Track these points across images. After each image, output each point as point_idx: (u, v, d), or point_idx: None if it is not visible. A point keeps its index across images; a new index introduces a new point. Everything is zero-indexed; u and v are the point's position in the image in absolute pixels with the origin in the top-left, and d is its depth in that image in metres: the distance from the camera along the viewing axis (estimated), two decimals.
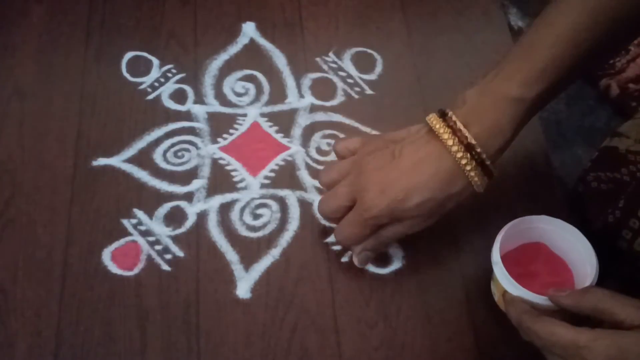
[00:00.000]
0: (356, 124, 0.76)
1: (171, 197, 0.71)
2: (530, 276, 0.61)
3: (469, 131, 0.59)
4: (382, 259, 0.68)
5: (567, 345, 0.53)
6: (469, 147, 0.59)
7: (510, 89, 0.60)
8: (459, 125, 0.59)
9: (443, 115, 0.61)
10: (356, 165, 0.64)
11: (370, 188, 0.61)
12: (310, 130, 0.75)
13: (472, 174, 0.60)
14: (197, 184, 0.71)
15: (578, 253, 0.61)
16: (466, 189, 0.61)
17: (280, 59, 0.80)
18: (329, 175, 0.66)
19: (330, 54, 0.80)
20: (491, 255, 0.61)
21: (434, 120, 0.61)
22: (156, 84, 0.77)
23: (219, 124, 0.75)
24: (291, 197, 0.71)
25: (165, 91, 0.77)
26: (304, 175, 0.73)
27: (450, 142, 0.59)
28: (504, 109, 0.60)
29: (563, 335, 0.53)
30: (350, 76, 0.79)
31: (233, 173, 0.72)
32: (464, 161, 0.59)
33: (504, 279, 0.60)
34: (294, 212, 0.70)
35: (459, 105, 0.61)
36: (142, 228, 0.69)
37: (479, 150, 0.59)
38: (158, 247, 0.68)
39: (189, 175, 0.72)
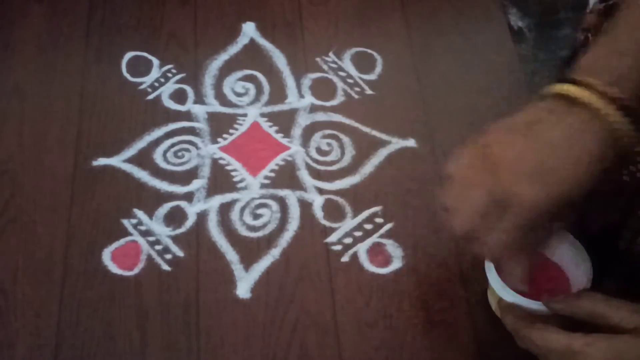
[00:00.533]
0: (356, 124, 0.76)
1: (171, 197, 0.71)
2: (527, 288, 0.61)
3: (611, 88, 0.50)
4: (382, 259, 0.68)
5: (563, 351, 0.52)
6: (620, 105, 0.50)
7: (623, 42, 0.52)
8: (601, 86, 0.50)
9: (573, 82, 0.52)
10: (484, 164, 0.51)
11: (521, 178, 0.50)
12: (310, 130, 0.75)
13: (628, 129, 0.50)
14: (197, 184, 0.71)
15: (572, 257, 0.61)
16: (622, 149, 0.51)
17: (280, 59, 0.80)
18: (462, 200, 0.52)
19: (330, 54, 0.80)
20: (485, 264, 0.61)
21: (569, 88, 0.51)
22: (156, 84, 0.77)
23: (219, 124, 0.75)
24: (291, 197, 0.71)
25: (165, 91, 0.77)
26: (304, 175, 0.73)
27: (601, 105, 0.50)
28: (625, 56, 0.51)
29: (558, 341, 0.53)
30: (350, 76, 0.79)
31: (233, 173, 0.72)
32: (618, 118, 0.50)
33: (498, 286, 0.59)
34: (294, 212, 0.70)
35: (587, 67, 0.52)
36: (142, 228, 0.69)
37: (627, 104, 0.50)
38: (158, 247, 0.68)
39: (189, 175, 0.72)
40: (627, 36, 0.52)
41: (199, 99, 0.77)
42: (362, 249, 0.68)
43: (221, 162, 0.73)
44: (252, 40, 0.81)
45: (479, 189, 0.51)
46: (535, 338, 0.55)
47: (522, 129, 0.51)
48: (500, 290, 0.59)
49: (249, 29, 0.82)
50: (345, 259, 0.68)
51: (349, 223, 0.69)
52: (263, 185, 0.72)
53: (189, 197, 0.71)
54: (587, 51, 0.53)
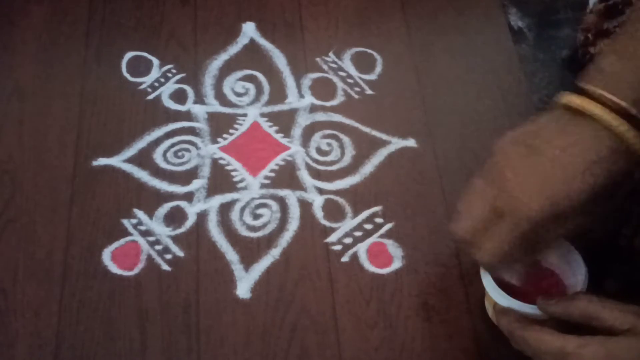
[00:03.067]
0: (356, 124, 0.76)
1: (171, 197, 0.71)
2: (522, 292, 0.60)
3: (620, 99, 0.51)
4: (382, 259, 0.68)
5: (556, 353, 0.52)
6: (626, 116, 0.51)
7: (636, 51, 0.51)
8: (608, 95, 0.51)
9: (581, 91, 0.53)
10: (487, 177, 0.53)
11: (519, 190, 0.51)
12: (310, 130, 0.75)
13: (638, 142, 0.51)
14: (197, 184, 0.71)
15: (567, 263, 0.61)
16: (629, 164, 0.52)
17: (280, 59, 0.80)
18: (467, 208, 0.54)
19: (330, 54, 0.80)
20: (480, 269, 0.61)
21: (574, 99, 0.52)
22: (156, 84, 0.77)
23: (219, 124, 0.75)
24: (291, 197, 0.71)
25: (165, 91, 0.77)
26: (304, 175, 0.73)
27: (605, 116, 0.50)
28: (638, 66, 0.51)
29: (551, 342, 0.53)
30: (350, 76, 0.79)
31: (233, 173, 0.72)
32: (624, 129, 0.50)
33: (493, 291, 0.59)
34: (294, 212, 0.70)
35: (595, 76, 0.53)
36: (142, 228, 0.69)
37: (637, 115, 0.50)
38: (158, 247, 0.68)
39: (189, 175, 0.72)
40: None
41: (199, 99, 0.77)
42: (362, 249, 0.68)
43: (221, 162, 0.73)
44: (252, 40, 0.81)
45: (483, 197, 0.53)
46: (529, 339, 0.54)
47: (529, 140, 0.52)
48: (495, 294, 0.59)
49: (249, 29, 0.82)
50: (345, 259, 0.68)
51: (349, 223, 0.69)
52: (263, 185, 0.72)
53: (189, 197, 0.71)
54: (598, 58, 0.53)
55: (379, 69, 0.80)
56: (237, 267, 0.67)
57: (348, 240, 0.69)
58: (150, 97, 0.77)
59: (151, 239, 0.68)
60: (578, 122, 0.52)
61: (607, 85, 0.52)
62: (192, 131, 0.75)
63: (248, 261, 0.67)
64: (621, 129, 0.50)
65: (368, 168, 0.73)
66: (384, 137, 0.75)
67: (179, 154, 0.73)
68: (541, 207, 0.51)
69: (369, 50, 0.81)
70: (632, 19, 0.54)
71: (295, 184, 0.72)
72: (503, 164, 0.52)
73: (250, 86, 0.78)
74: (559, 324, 0.56)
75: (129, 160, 0.72)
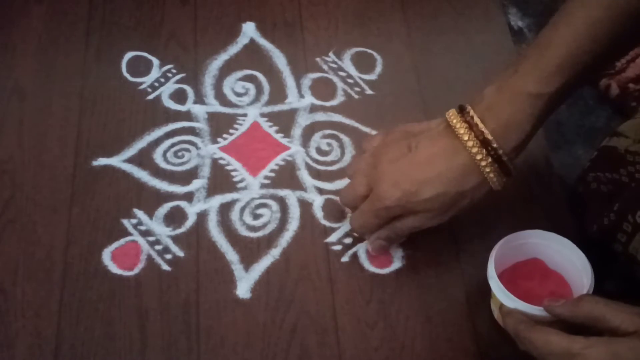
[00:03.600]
0: (356, 124, 0.76)
1: (171, 197, 0.71)
2: (528, 294, 0.61)
3: (485, 127, 0.59)
4: (382, 259, 0.68)
5: (562, 354, 0.53)
6: (484, 143, 0.59)
7: (528, 85, 0.59)
8: (476, 120, 0.60)
9: (462, 110, 0.61)
10: (374, 157, 0.64)
11: (385, 179, 0.62)
12: (310, 130, 0.75)
13: (488, 169, 0.60)
14: (197, 184, 0.71)
15: (573, 266, 0.61)
16: (481, 186, 0.61)
17: (280, 59, 0.80)
18: (352, 168, 0.67)
19: (330, 54, 0.80)
20: (487, 270, 0.61)
21: (452, 115, 0.61)
22: (156, 84, 0.77)
23: (219, 124, 0.75)
24: (291, 197, 0.71)
25: (165, 91, 0.77)
26: (304, 175, 0.73)
27: (466, 137, 0.60)
28: (521, 105, 0.60)
29: (557, 343, 0.53)
30: (350, 76, 0.79)
31: (233, 173, 0.72)
32: (479, 156, 0.59)
33: (499, 293, 0.60)
34: (294, 212, 0.70)
35: (478, 101, 0.61)
36: (142, 228, 0.69)
37: (495, 145, 0.59)
38: (158, 247, 0.68)
39: (189, 175, 0.72)
40: (531, 78, 0.60)
41: (199, 99, 0.77)
42: (362, 249, 0.68)
43: (221, 162, 0.73)
44: (252, 40, 0.81)
45: (366, 175, 0.64)
46: (535, 340, 0.55)
47: (411, 140, 0.63)
48: (502, 296, 0.59)
49: (249, 29, 0.82)
50: (345, 259, 0.68)
51: (349, 223, 0.69)
52: (263, 185, 0.72)
53: (189, 197, 0.71)
54: (488, 85, 0.61)
55: (379, 69, 0.80)
56: (237, 267, 0.67)
57: (348, 241, 0.69)
58: (150, 97, 0.77)
59: (151, 239, 0.68)
60: (449, 136, 0.61)
61: (481, 111, 0.60)
62: (192, 131, 0.75)
63: (248, 261, 0.67)
64: (477, 157, 0.59)
65: None
66: None
67: (179, 154, 0.73)
68: (394, 198, 0.61)
69: (369, 50, 0.81)
70: (521, 55, 0.62)
71: (295, 184, 0.72)
72: (386, 156, 0.63)
73: (250, 86, 0.78)
74: (564, 325, 0.56)
75: (129, 160, 0.72)
